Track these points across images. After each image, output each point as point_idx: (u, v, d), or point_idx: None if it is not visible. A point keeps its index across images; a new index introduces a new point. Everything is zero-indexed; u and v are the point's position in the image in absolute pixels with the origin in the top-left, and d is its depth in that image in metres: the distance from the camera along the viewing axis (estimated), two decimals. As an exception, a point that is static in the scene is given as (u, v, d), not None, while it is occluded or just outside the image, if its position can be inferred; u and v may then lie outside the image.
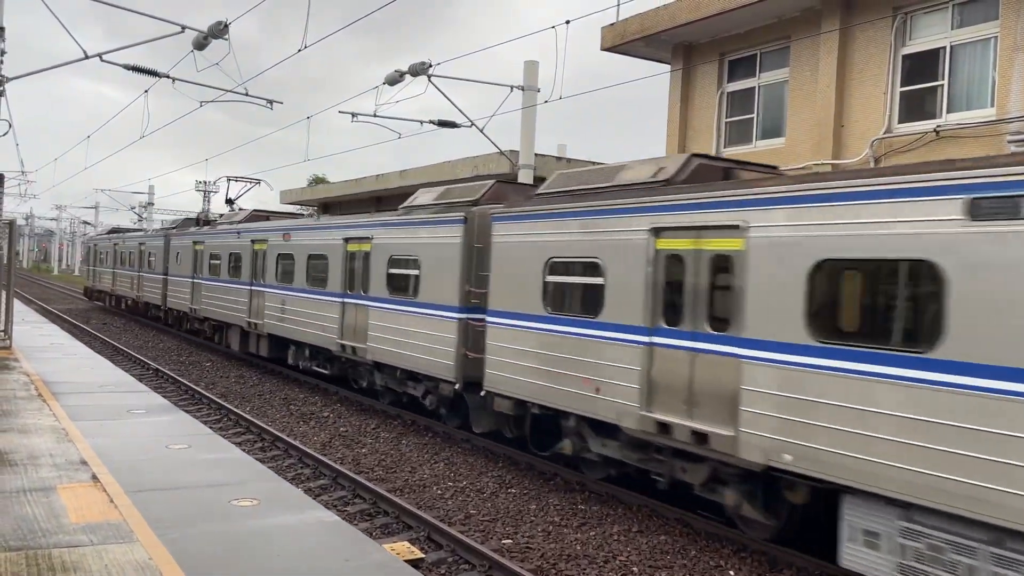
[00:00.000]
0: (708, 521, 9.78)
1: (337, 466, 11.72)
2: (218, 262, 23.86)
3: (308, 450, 12.66)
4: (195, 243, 26.32)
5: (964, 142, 12.88)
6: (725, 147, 17.46)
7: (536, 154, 20.88)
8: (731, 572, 8.57)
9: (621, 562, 8.72)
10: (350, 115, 19.29)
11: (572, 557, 8.79)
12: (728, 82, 17.49)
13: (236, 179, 27.62)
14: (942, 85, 13.56)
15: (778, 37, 16.21)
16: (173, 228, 31.94)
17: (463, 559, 8.65)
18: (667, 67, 18.65)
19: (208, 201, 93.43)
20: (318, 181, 67.25)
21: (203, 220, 29.22)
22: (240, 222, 23.43)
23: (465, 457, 13.00)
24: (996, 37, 12.73)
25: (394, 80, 18.96)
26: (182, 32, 16.83)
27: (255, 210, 24.56)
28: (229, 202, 28.14)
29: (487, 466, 12.48)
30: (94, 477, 7.03)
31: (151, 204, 59.66)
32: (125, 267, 36.61)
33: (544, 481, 11.71)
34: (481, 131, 18.29)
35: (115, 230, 44.82)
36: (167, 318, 30.96)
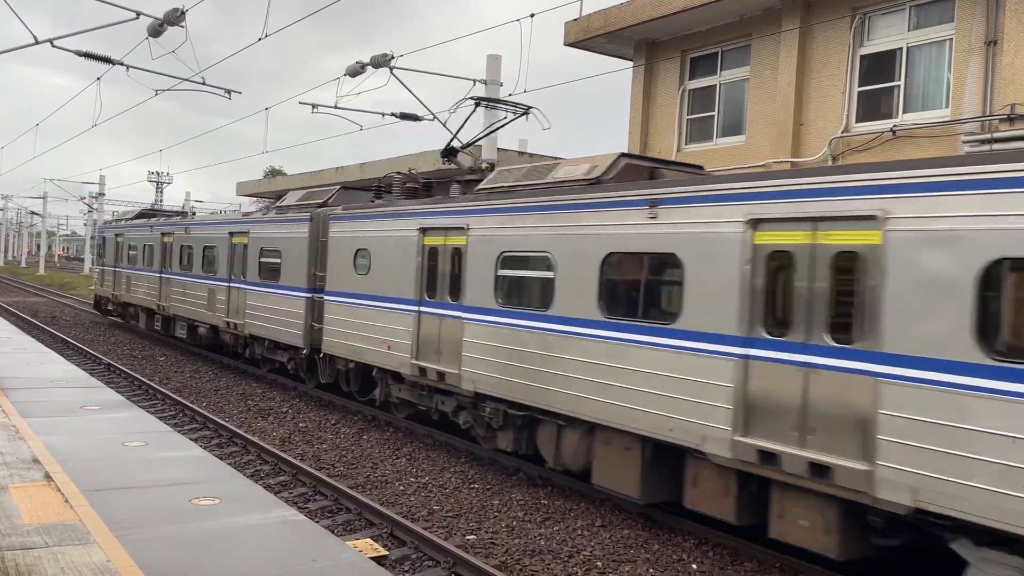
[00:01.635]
0: (670, 515, 9.86)
1: (297, 462, 11.56)
2: (581, 279, 10.22)
3: (267, 446, 12.46)
4: (440, 232, 12.85)
5: (920, 142, 13.14)
6: (687, 144, 17.59)
7: (499, 149, 20.80)
8: (693, 565, 8.65)
9: (585, 556, 8.75)
10: (311, 106, 19.02)
11: (536, 552, 8.79)
12: (689, 79, 17.61)
13: (493, 104, 15.23)
14: (898, 86, 13.81)
15: (739, 35, 16.36)
16: (325, 204, 17.36)
17: (427, 556, 8.59)
18: (630, 63, 18.72)
19: (161, 192, 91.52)
20: (275, 173, 66.36)
21: (459, 176, 14.36)
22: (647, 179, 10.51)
23: (427, 452, 12.93)
24: (952, 39, 13.00)
25: (355, 72, 18.72)
26: (137, 19, 16.40)
27: (624, 154, 10.80)
28: (450, 153, 14.85)
29: (449, 462, 12.42)
30: (47, 476, 6.82)
31: (102, 195, 58.25)
32: (191, 273, 21.97)
33: (506, 476, 11.70)
34: (444, 125, 18.16)
35: (147, 213, 29.22)
36: (321, 370, 16.54)
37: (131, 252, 27.47)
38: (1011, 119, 11.83)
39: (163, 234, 24.81)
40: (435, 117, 18.23)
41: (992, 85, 12.22)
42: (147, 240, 26.10)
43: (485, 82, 19.93)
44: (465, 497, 10.68)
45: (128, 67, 18.13)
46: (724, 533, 9.24)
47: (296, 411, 15.98)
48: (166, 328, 24.50)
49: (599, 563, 8.57)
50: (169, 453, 7.93)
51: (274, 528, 5.84)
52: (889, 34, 13.98)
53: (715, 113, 17.05)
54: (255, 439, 12.95)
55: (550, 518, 9.94)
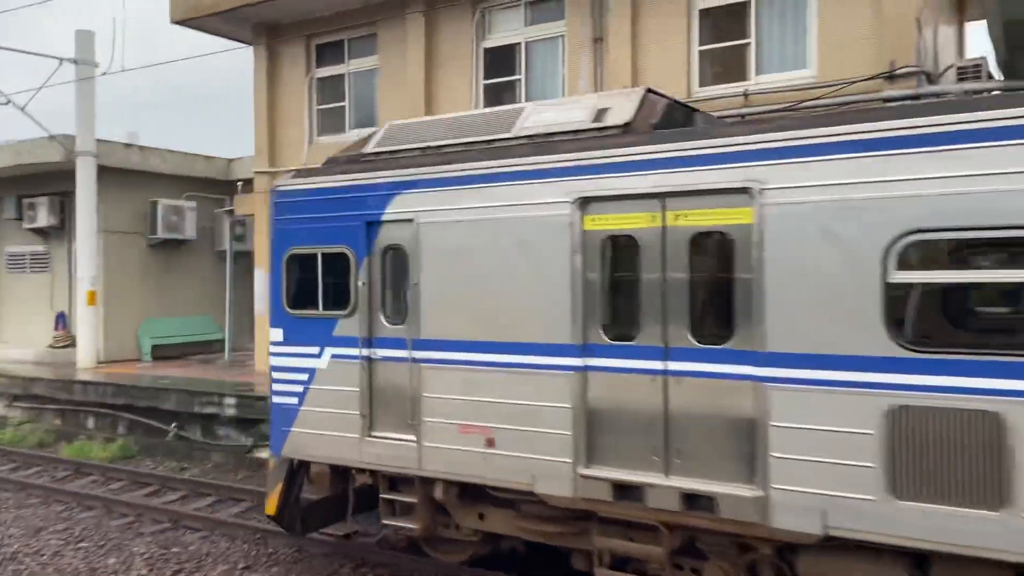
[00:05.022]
0: None
1: None
2: None
3: None
4: None
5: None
6: (319, 136, 16.62)
7: (99, 140, 17.92)
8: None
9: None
10: None
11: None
12: (317, 68, 16.65)
13: None
14: (519, 79, 14.21)
15: (365, 23, 15.76)
16: None
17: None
18: (250, 46, 17.21)
19: None
20: None
21: None
22: None
23: None
24: (564, 36, 13.63)
25: None
26: None
27: None
28: None
29: None
30: None
31: None
32: None
33: None
34: (22, 110, 15.09)
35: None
36: None
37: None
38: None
39: None
40: (9, 100, 15.10)
41: (601, 78, 13.01)
42: None
43: (76, 62, 17.06)
44: None
45: None
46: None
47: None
48: None
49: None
50: None
51: None
52: (508, 29, 14.32)
53: (346, 103, 16.30)
54: None
55: None
